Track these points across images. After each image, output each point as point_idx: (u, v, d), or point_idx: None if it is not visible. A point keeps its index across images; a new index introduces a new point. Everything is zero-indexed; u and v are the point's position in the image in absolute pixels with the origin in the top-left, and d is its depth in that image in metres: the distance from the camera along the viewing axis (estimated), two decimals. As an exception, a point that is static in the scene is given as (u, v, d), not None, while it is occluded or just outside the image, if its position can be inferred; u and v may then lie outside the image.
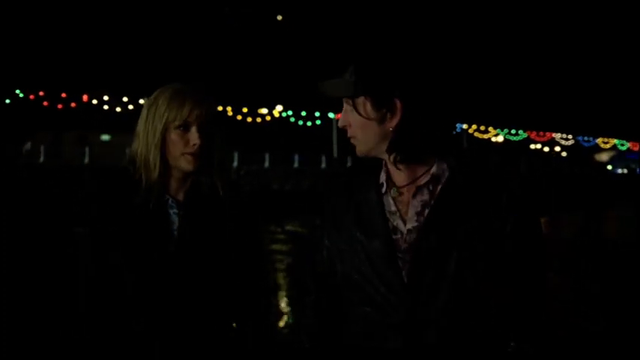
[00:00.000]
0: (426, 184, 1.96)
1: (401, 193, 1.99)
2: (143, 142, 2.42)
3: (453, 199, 1.93)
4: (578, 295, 10.98)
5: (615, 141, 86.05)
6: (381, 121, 1.93)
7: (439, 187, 1.96)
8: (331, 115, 49.90)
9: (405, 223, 1.97)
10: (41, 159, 32.30)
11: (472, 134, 55.02)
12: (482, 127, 52.65)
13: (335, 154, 46.50)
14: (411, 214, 1.96)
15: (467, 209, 1.91)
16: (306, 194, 34.91)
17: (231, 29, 55.66)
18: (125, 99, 41.29)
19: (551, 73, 73.63)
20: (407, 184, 1.98)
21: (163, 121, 2.38)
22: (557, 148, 76.35)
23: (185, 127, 2.38)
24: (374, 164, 2.06)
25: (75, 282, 2.34)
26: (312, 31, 60.10)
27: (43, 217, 23.26)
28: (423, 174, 1.96)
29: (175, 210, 2.42)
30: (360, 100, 1.95)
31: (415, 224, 1.95)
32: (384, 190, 2.03)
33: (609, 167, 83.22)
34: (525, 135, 67.83)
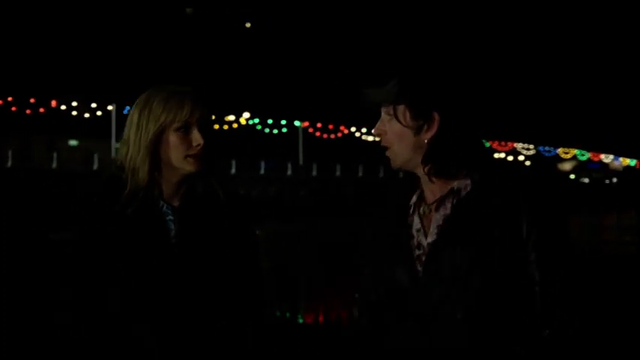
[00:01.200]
0: (448, 197, 1.99)
1: (430, 210, 2.02)
2: (134, 147, 2.32)
3: (472, 212, 1.94)
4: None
5: (575, 151, 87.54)
6: (418, 131, 1.97)
7: (458, 201, 1.98)
8: (297, 123, 50.47)
9: (427, 237, 2.01)
10: (9, 163, 32.46)
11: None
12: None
13: (301, 162, 47.15)
14: (432, 227, 2.00)
15: (486, 222, 1.92)
16: (272, 201, 35.52)
17: (199, 36, 55.93)
18: (94, 105, 41.47)
19: (511, 83, 74.76)
20: (435, 200, 2.01)
21: (159, 123, 2.29)
22: (521, 157, 77.49)
23: (186, 129, 2.31)
24: (404, 187, 2.13)
25: (54, 289, 2.29)
26: (282, 39, 60.52)
27: (16, 222, 23.46)
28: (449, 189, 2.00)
29: (171, 217, 2.35)
30: (401, 108, 1.99)
31: (435, 237, 1.98)
32: (412, 210, 2.08)
33: (572, 176, 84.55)
34: (488, 144, 68.68)
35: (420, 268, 1.99)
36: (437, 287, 1.95)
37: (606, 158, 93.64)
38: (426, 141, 1.97)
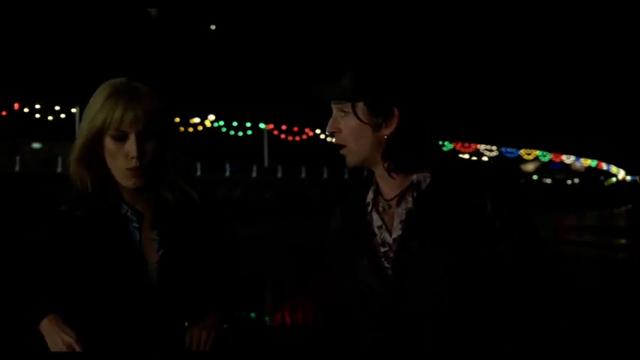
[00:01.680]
0: (409, 191, 1.93)
1: (390, 206, 1.96)
2: (74, 147, 2.10)
3: (435, 204, 1.89)
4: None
5: (538, 152, 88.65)
6: (377, 128, 1.90)
7: (419, 193, 1.93)
8: (262, 125, 50.56)
9: (391, 234, 1.94)
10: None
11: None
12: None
13: (266, 164, 47.24)
14: (396, 223, 1.94)
15: (450, 213, 1.87)
16: (237, 203, 35.57)
17: (164, 38, 55.74)
18: (57, 107, 41.22)
19: (474, 86, 75.49)
20: (395, 196, 1.95)
21: (93, 125, 2.03)
22: (485, 159, 78.23)
23: (121, 137, 2.01)
24: (361, 185, 2.06)
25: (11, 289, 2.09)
26: (247, 42, 60.51)
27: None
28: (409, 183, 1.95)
29: (136, 224, 2.10)
30: (359, 105, 1.90)
31: (400, 232, 1.92)
32: (369, 208, 2.00)
33: (535, 177, 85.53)
34: (451, 146, 69.48)
35: (387, 265, 1.94)
36: (409, 284, 1.90)
37: (568, 159, 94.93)
38: (385, 137, 1.91)
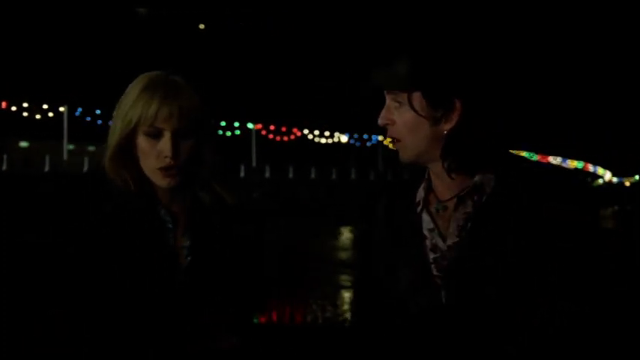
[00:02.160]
0: (469, 194, 1.71)
1: (445, 208, 1.74)
2: (107, 144, 1.97)
3: (499, 211, 1.67)
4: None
5: (525, 153, 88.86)
6: (435, 122, 1.69)
7: (484, 198, 1.70)
8: (250, 125, 50.63)
9: (444, 239, 1.73)
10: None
11: (387, 146, 56.43)
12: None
13: (254, 164, 47.35)
14: (452, 228, 1.72)
15: (514, 223, 1.66)
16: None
17: (152, 37, 55.75)
18: (45, 106, 41.19)
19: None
20: (452, 197, 1.73)
21: (126, 121, 1.89)
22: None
23: (156, 134, 1.88)
24: (410, 182, 1.86)
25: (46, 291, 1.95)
26: (236, 41, 60.57)
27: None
28: (468, 185, 1.72)
29: (170, 225, 1.97)
30: (416, 95, 1.69)
31: (456, 240, 1.71)
32: (419, 208, 1.79)
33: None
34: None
35: (436, 274, 1.72)
36: (462, 300, 1.69)
37: (554, 160, 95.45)
38: (445, 132, 1.69)
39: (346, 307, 10.61)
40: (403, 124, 1.71)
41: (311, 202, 39.25)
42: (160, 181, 1.91)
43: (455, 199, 1.72)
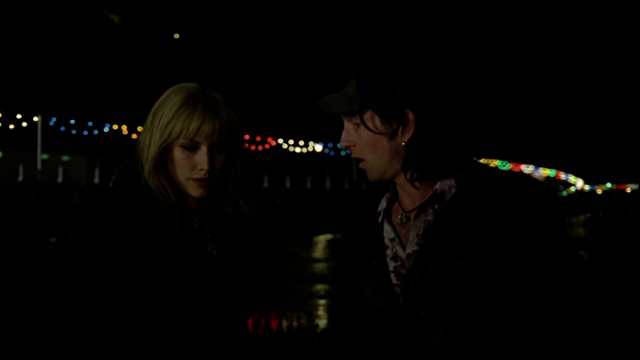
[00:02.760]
0: (430, 203, 1.72)
1: (408, 218, 1.75)
2: (145, 154, 1.99)
3: (459, 217, 1.67)
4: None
5: (497, 162, 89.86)
6: (392, 135, 1.69)
7: (443, 206, 1.70)
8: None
9: (404, 248, 1.74)
10: None
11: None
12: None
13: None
14: (412, 236, 1.72)
15: (475, 231, 1.65)
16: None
17: (128, 47, 55.71)
18: (19, 116, 41.10)
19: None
20: (416, 207, 1.74)
21: (165, 134, 1.94)
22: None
23: (192, 147, 1.94)
24: (375, 193, 1.88)
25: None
26: (210, 50, 60.64)
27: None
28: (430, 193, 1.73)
29: (209, 235, 2.06)
30: (368, 114, 1.70)
31: (415, 248, 1.71)
32: (380, 218, 1.81)
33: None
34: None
35: (396, 282, 1.74)
36: (420, 306, 1.70)
37: (527, 169, 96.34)
38: (403, 144, 1.69)
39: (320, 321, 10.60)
40: (363, 143, 1.72)
41: (286, 211, 39.43)
42: (193, 191, 1.96)
43: (416, 209, 1.73)
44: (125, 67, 53.34)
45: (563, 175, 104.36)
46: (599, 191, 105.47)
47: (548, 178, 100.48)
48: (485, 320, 1.66)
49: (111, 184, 2.03)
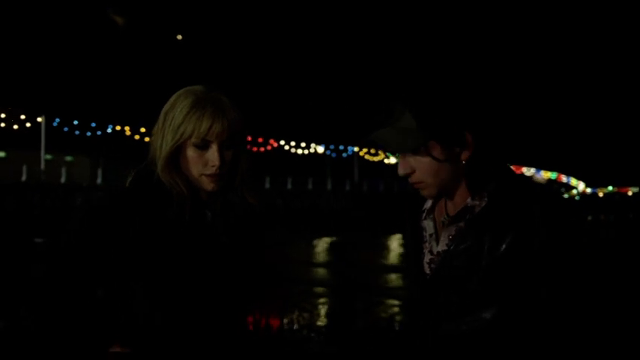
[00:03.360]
0: (464, 212, 1.91)
1: (450, 220, 1.94)
2: (157, 154, 2.15)
3: (484, 225, 1.86)
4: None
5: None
6: (454, 159, 1.86)
7: (473, 216, 1.90)
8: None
9: (438, 244, 1.96)
10: None
11: (363, 157, 56.91)
12: (373, 150, 54.83)
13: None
14: (444, 237, 1.94)
15: (496, 236, 1.83)
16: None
17: (130, 48, 55.80)
18: (22, 116, 41.25)
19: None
20: (456, 213, 1.94)
21: (178, 135, 2.10)
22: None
23: (204, 145, 2.11)
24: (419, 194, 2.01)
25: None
26: (212, 52, 60.71)
27: None
28: (466, 204, 1.93)
29: (221, 226, 2.21)
30: (430, 144, 1.85)
31: (445, 247, 1.92)
32: (424, 215, 2.03)
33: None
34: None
35: (428, 272, 1.97)
36: (443, 295, 1.91)
37: (528, 171, 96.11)
38: (463, 162, 1.88)
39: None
40: (425, 170, 1.87)
41: (287, 212, 39.52)
42: (206, 185, 2.14)
43: (456, 214, 1.93)
44: (128, 68, 53.49)
45: (564, 178, 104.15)
46: (600, 194, 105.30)
47: (549, 180, 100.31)
48: (499, 321, 1.85)
49: (127, 184, 2.19)
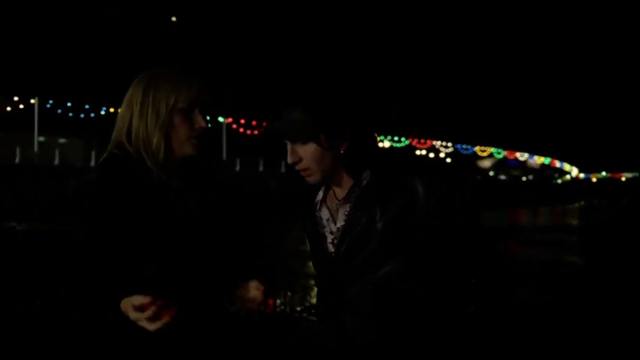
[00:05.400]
0: (353, 189, 2.21)
1: (340, 203, 2.24)
2: (144, 128, 2.27)
3: (370, 197, 2.16)
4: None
5: (492, 149, 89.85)
6: (336, 148, 2.17)
7: (361, 190, 2.20)
8: (221, 119, 50.71)
9: (336, 224, 2.24)
10: None
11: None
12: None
13: (224, 157, 47.41)
14: (340, 215, 2.23)
15: (384, 204, 2.13)
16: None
17: (124, 30, 55.55)
18: (15, 98, 41.11)
19: (430, 85, 76.37)
20: (345, 195, 2.23)
21: (171, 102, 2.27)
22: (441, 155, 79.06)
23: (190, 110, 2.30)
24: (310, 190, 2.35)
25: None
26: (205, 35, 60.46)
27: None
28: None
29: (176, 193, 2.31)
30: (319, 135, 2.15)
31: (343, 223, 2.21)
32: (318, 205, 2.32)
33: (491, 173, 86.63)
34: (407, 142, 70.26)
35: (332, 250, 2.22)
36: (348, 262, 2.17)
37: (521, 156, 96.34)
38: (342, 152, 2.17)
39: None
40: (310, 158, 2.19)
41: (281, 195, 39.43)
42: (189, 149, 2.32)
43: (345, 196, 2.23)
44: (122, 50, 53.29)
45: (557, 163, 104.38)
46: (594, 179, 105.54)
47: (542, 165, 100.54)
48: (397, 277, 2.14)
49: (97, 171, 2.29)
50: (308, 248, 2.38)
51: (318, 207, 2.32)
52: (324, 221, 2.28)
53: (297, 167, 2.21)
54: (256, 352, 2.39)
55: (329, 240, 2.25)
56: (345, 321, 2.18)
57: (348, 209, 2.21)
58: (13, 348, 6.48)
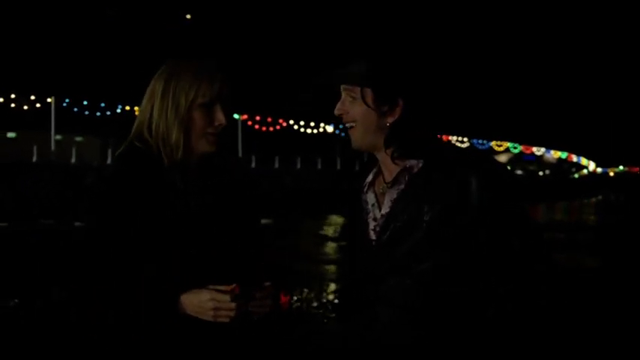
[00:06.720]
0: (402, 174, 2.07)
1: (388, 187, 2.10)
2: (164, 121, 2.19)
3: (420, 185, 2.01)
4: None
5: (508, 144, 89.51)
6: (382, 114, 2.04)
7: (412, 177, 2.05)
8: (236, 115, 50.81)
9: (381, 210, 2.11)
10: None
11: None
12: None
13: (240, 154, 47.51)
14: (386, 202, 2.08)
15: (434, 195, 1.98)
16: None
17: (136, 27, 55.71)
18: (32, 97, 41.32)
19: (446, 78, 76.14)
20: (392, 179, 2.10)
21: (191, 96, 2.18)
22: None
23: (210, 105, 2.20)
24: (362, 171, 2.25)
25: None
26: (220, 31, 60.50)
27: None
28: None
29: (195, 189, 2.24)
30: (367, 91, 2.04)
31: (388, 210, 2.07)
32: (365, 189, 2.19)
33: (508, 168, 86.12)
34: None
35: (373, 238, 2.09)
36: (388, 255, 2.04)
37: (538, 151, 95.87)
38: (388, 124, 2.05)
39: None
40: (355, 114, 2.08)
41: (296, 192, 39.53)
42: (207, 146, 2.22)
43: (392, 180, 2.10)
44: (138, 48, 53.43)
45: (575, 158, 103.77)
46: (611, 174, 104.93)
47: (559, 160, 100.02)
48: (440, 273, 2.00)
49: (115, 165, 2.26)
50: (328, 248, 2.23)
51: (365, 189, 2.20)
52: (369, 206, 2.16)
53: (344, 120, 2.12)
54: (268, 353, 2.30)
55: (371, 227, 2.13)
56: (380, 314, 2.06)
57: (395, 195, 2.08)
58: (13, 348, 6.49)
